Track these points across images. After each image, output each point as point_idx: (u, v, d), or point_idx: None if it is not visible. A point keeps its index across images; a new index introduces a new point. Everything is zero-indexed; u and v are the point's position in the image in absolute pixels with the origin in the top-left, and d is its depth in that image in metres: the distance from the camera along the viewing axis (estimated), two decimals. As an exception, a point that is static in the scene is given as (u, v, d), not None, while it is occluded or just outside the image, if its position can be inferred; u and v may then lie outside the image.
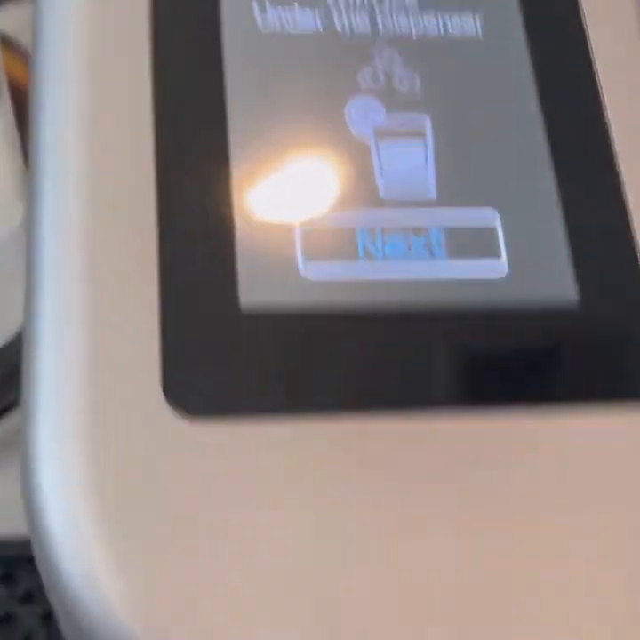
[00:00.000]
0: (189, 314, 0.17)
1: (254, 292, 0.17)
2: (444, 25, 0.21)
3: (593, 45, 0.21)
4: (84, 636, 0.15)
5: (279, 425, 0.16)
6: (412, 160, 0.19)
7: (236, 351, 0.17)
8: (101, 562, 0.15)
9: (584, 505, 0.16)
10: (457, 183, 0.19)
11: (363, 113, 0.19)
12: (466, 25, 0.21)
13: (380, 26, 0.20)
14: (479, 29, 0.21)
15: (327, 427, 0.16)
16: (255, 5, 0.20)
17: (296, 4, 0.20)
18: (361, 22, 0.20)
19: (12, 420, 0.35)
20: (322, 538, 0.15)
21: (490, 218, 0.19)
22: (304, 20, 0.20)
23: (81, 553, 0.15)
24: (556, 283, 0.18)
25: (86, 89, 0.19)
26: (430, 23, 0.21)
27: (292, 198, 0.18)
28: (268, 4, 0.20)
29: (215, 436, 0.16)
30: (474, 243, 0.19)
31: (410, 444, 0.16)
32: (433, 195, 0.19)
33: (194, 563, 0.15)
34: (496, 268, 0.18)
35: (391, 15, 0.20)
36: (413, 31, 0.20)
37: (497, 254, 0.19)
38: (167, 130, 0.18)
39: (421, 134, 0.20)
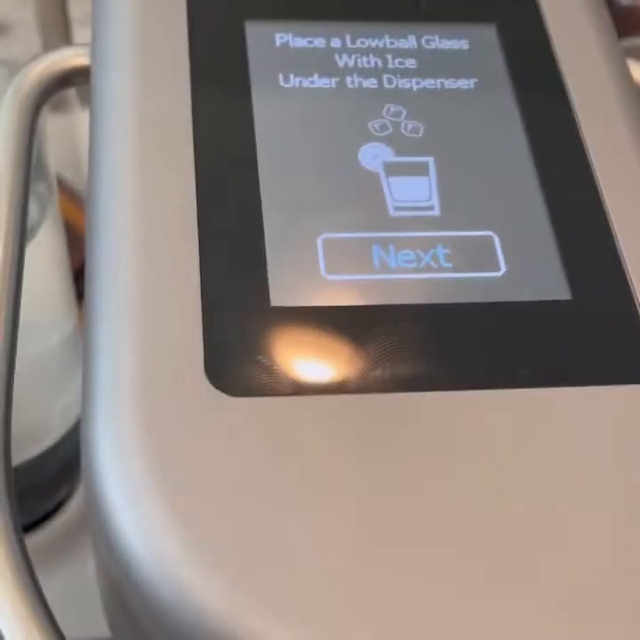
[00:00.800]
0: (227, 309, 0.19)
1: (282, 291, 0.20)
2: (441, 82, 0.24)
3: (572, 98, 0.24)
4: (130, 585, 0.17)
5: (300, 402, 0.18)
6: (418, 192, 0.22)
7: (266, 339, 0.19)
8: (159, 520, 0.17)
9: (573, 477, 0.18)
10: (458, 212, 0.22)
11: (373, 156, 0.22)
12: (460, 82, 0.24)
13: (386, 84, 0.24)
14: (471, 85, 0.24)
15: (331, 403, 0.18)
16: (280, 76, 0.24)
17: (316, 75, 0.24)
18: (369, 82, 0.24)
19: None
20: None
21: (488, 239, 0.21)
22: (321, 81, 0.24)
23: (140, 511, 0.17)
24: (551, 284, 0.21)
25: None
26: (429, 81, 0.24)
27: (315, 217, 0.21)
28: (291, 75, 0.24)
29: (250, 410, 0.18)
30: (475, 258, 0.21)
31: (422, 419, 0.19)
32: (438, 219, 0.22)
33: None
34: (495, 277, 0.21)
35: (395, 76, 0.24)
36: (414, 87, 0.24)
37: (496, 268, 0.21)
38: (208, 170, 0.21)
39: (425, 172, 0.22)
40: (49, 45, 0.51)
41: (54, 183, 0.41)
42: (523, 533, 0.18)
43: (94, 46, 0.25)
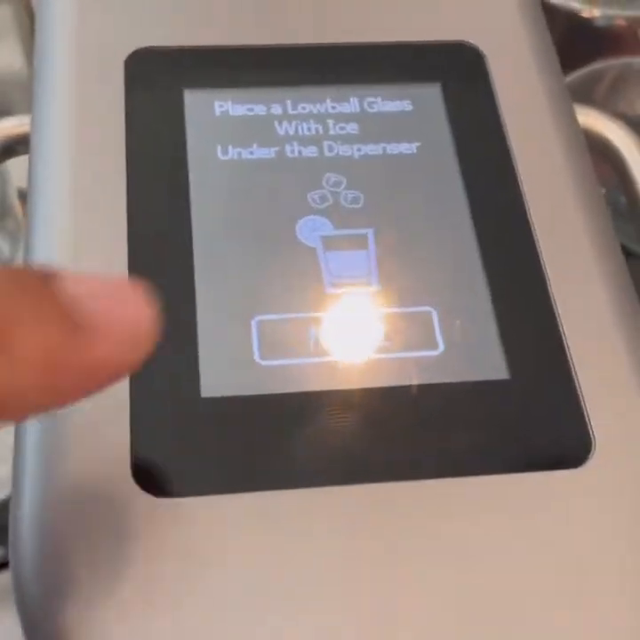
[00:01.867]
0: (156, 403, 0.19)
1: (214, 379, 0.19)
2: (383, 148, 0.24)
3: (516, 159, 0.23)
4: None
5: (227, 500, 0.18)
6: (355, 267, 0.22)
7: (196, 435, 0.19)
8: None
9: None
10: (397, 287, 0.21)
11: (311, 229, 0.22)
12: (402, 146, 0.24)
13: (327, 152, 0.23)
14: (414, 149, 0.24)
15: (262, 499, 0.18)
16: (219, 147, 0.23)
17: (255, 145, 0.23)
18: (309, 150, 0.23)
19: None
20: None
21: (427, 316, 0.21)
22: (260, 151, 0.23)
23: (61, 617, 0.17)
24: (489, 363, 0.21)
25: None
26: (370, 147, 0.24)
27: (250, 297, 0.21)
28: (230, 146, 0.23)
29: (179, 511, 0.18)
30: (413, 337, 0.21)
31: (352, 514, 0.18)
32: (376, 295, 0.21)
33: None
34: (433, 357, 0.21)
35: (336, 142, 0.24)
36: (356, 154, 0.23)
37: (434, 347, 0.21)
38: (141, 243, 0.21)
39: (364, 245, 0.22)
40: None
41: (21, 218, 0.41)
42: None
43: (33, 117, 0.24)
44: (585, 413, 0.20)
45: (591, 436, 0.19)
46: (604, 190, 0.37)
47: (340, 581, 0.18)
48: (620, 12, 0.46)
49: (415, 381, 0.20)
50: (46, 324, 0.14)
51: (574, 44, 0.48)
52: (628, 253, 0.32)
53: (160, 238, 0.22)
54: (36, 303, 0.14)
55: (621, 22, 0.46)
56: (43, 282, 0.14)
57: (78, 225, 0.22)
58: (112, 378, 0.14)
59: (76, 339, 0.14)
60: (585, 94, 0.43)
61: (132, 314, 0.15)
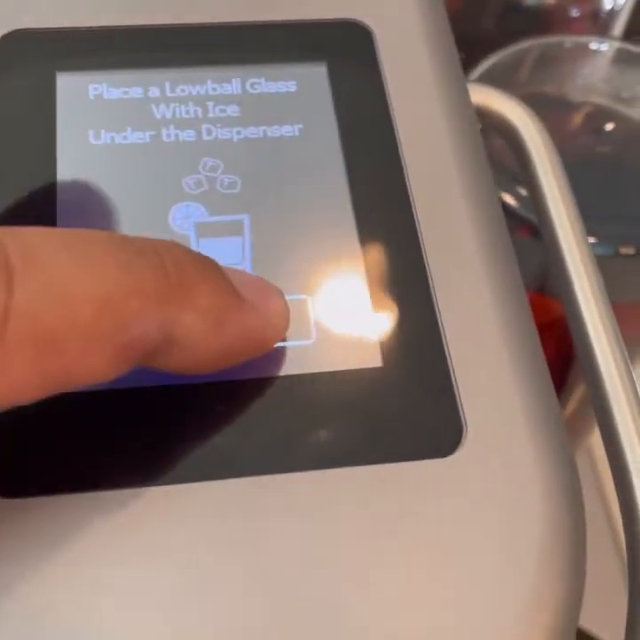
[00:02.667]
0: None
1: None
2: (264, 131, 0.23)
3: (401, 141, 0.23)
4: None
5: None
6: (229, 254, 0.21)
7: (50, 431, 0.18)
8: None
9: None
10: (271, 274, 0.21)
11: (185, 216, 0.21)
12: (284, 129, 0.23)
13: (205, 136, 0.23)
14: (296, 132, 0.23)
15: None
16: (91, 132, 0.22)
17: (129, 129, 0.22)
18: (186, 134, 0.22)
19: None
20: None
21: (302, 303, 0.20)
22: (134, 136, 0.22)
23: None
24: (362, 352, 0.20)
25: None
26: (251, 130, 0.23)
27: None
28: (103, 130, 0.22)
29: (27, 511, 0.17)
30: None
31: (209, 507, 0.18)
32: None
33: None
34: (306, 346, 0.20)
35: (215, 125, 0.23)
36: (235, 137, 0.23)
37: (308, 336, 0.20)
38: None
39: (240, 231, 0.21)
40: None
41: None
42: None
43: None
44: (457, 402, 0.19)
45: (463, 424, 0.19)
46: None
47: (200, 580, 0.17)
48: (549, -10, 0.45)
49: (288, 371, 0.20)
50: (221, 289, 0.17)
51: (507, 23, 0.47)
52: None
53: (23, 222, 0.21)
54: (213, 273, 0.17)
55: (551, 1, 0.45)
56: (213, 262, 0.18)
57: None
58: (259, 348, 0.18)
59: (240, 305, 0.17)
60: (510, 73, 0.42)
61: (274, 302, 0.19)
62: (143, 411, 0.19)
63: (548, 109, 0.43)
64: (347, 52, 0.24)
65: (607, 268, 0.37)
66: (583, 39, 0.44)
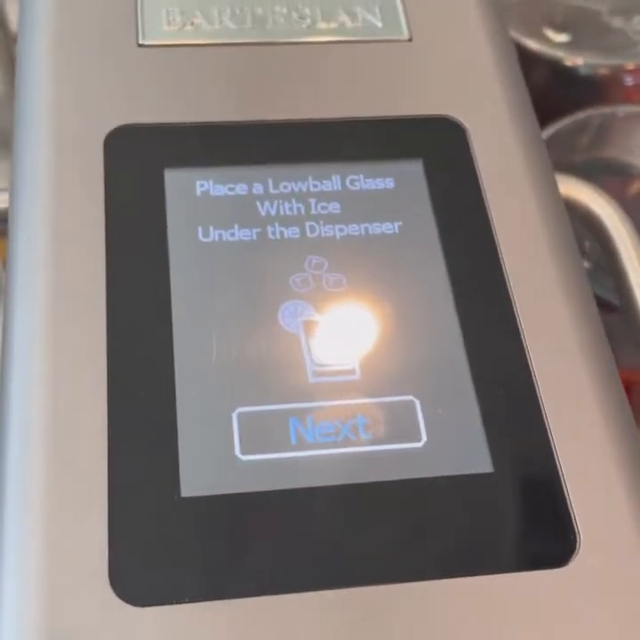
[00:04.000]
0: (135, 504, 0.19)
1: (195, 478, 0.19)
2: (365, 228, 0.23)
3: (498, 238, 0.23)
4: None
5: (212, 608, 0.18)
6: (338, 355, 0.22)
7: (176, 537, 0.19)
8: None
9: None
10: (379, 374, 0.21)
11: (294, 314, 0.22)
12: (385, 226, 0.23)
13: (309, 233, 0.23)
14: (396, 229, 0.23)
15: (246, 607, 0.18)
16: (200, 229, 0.23)
17: (236, 227, 0.23)
18: (291, 231, 0.23)
19: None
20: None
21: (410, 405, 0.21)
22: (241, 233, 0.23)
23: None
24: (473, 457, 0.20)
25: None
26: (353, 227, 0.23)
27: (231, 387, 0.21)
28: (211, 227, 0.23)
29: (158, 621, 0.17)
30: (395, 427, 0.21)
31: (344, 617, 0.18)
32: (358, 384, 0.21)
33: None
34: (416, 449, 0.20)
35: (318, 223, 0.23)
36: (338, 235, 0.23)
37: (417, 439, 0.21)
38: (120, 329, 0.21)
39: (347, 332, 0.22)
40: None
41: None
42: None
43: (12, 195, 0.24)
44: (570, 509, 0.20)
45: (577, 534, 0.19)
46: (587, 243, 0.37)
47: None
48: (604, 60, 0.46)
49: (398, 476, 0.20)
50: None
51: (558, 92, 0.48)
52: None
53: (139, 323, 0.21)
54: None
55: (605, 71, 0.46)
56: None
57: (57, 308, 0.21)
58: None
59: None
60: (569, 144, 0.43)
61: None
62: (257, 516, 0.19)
63: (607, 177, 0.43)
64: (441, 148, 0.25)
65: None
66: (636, 108, 0.45)
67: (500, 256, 0.23)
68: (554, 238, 0.24)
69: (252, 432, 0.20)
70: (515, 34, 0.45)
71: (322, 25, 0.27)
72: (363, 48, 0.27)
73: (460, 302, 0.22)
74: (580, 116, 0.44)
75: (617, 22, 0.48)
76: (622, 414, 0.21)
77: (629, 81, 0.46)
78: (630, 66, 0.46)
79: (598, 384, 0.21)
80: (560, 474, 0.20)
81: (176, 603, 0.18)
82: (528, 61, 0.47)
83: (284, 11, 0.27)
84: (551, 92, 0.48)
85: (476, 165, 0.25)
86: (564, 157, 0.43)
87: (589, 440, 0.20)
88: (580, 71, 0.46)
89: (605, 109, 0.44)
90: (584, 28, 0.47)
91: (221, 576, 0.18)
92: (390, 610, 0.18)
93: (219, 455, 0.20)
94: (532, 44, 0.46)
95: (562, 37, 0.46)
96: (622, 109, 0.46)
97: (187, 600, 0.18)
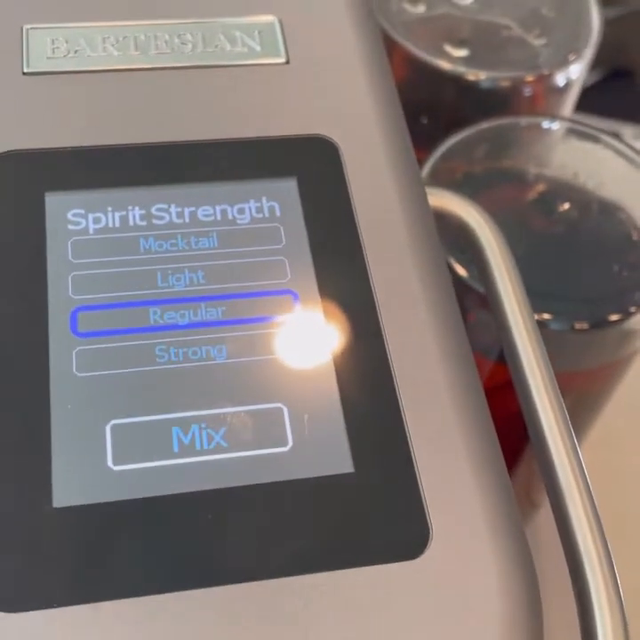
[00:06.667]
0: (5, 513, 0.20)
1: (67, 488, 0.20)
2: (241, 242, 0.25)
3: (366, 252, 0.25)
4: None
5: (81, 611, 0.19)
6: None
7: (48, 546, 0.19)
8: None
9: None
10: (247, 383, 0.22)
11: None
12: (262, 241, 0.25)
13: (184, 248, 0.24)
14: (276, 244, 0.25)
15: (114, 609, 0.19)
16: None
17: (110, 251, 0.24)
18: (167, 245, 0.24)
19: None
20: None
21: (278, 412, 0.22)
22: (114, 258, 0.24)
23: None
24: (335, 458, 0.21)
25: None
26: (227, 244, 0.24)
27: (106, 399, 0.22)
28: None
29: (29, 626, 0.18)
30: (264, 434, 0.22)
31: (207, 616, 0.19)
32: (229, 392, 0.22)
33: None
34: (283, 453, 0.22)
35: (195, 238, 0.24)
36: (211, 251, 0.24)
37: (284, 443, 0.22)
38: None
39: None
40: None
41: None
42: None
43: None
44: (424, 505, 0.21)
45: (429, 528, 0.20)
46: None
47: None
48: (504, 73, 0.48)
49: (265, 479, 0.21)
50: None
51: (464, 106, 0.49)
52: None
53: (15, 333, 0.22)
54: None
55: (506, 83, 0.48)
56: None
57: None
58: None
59: None
60: (470, 153, 0.45)
61: None
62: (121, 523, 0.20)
63: (505, 185, 0.45)
64: (315, 166, 0.26)
65: (563, 341, 0.39)
66: (536, 119, 0.47)
67: (368, 267, 0.24)
68: (420, 249, 0.25)
69: (125, 442, 0.21)
70: (416, 51, 0.47)
71: (203, 50, 0.28)
72: (241, 71, 0.28)
73: (328, 312, 0.24)
74: (481, 125, 0.45)
75: (517, 34, 0.50)
76: (479, 415, 0.22)
77: (528, 92, 0.48)
78: (530, 77, 0.48)
79: (456, 387, 0.23)
80: (416, 472, 0.21)
81: (45, 608, 0.19)
82: (433, 77, 0.48)
83: (167, 37, 0.28)
84: (458, 106, 0.50)
85: (347, 181, 0.26)
86: (464, 166, 0.44)
87: (445, 440, 0.22)
88: (481, 85, 0.48)
89: (505, 120, 0.46)
90: (484, 42, 0.49)
91: (90, 581, 0.19)
92: (247, 606, 0.19)
93: (91, 465, 0.21)
94: (434, 61, 0.47)
95: (461, 52, 0.48)
96: (524, 120, 0.48)
97: (55, 605, 0.19)
